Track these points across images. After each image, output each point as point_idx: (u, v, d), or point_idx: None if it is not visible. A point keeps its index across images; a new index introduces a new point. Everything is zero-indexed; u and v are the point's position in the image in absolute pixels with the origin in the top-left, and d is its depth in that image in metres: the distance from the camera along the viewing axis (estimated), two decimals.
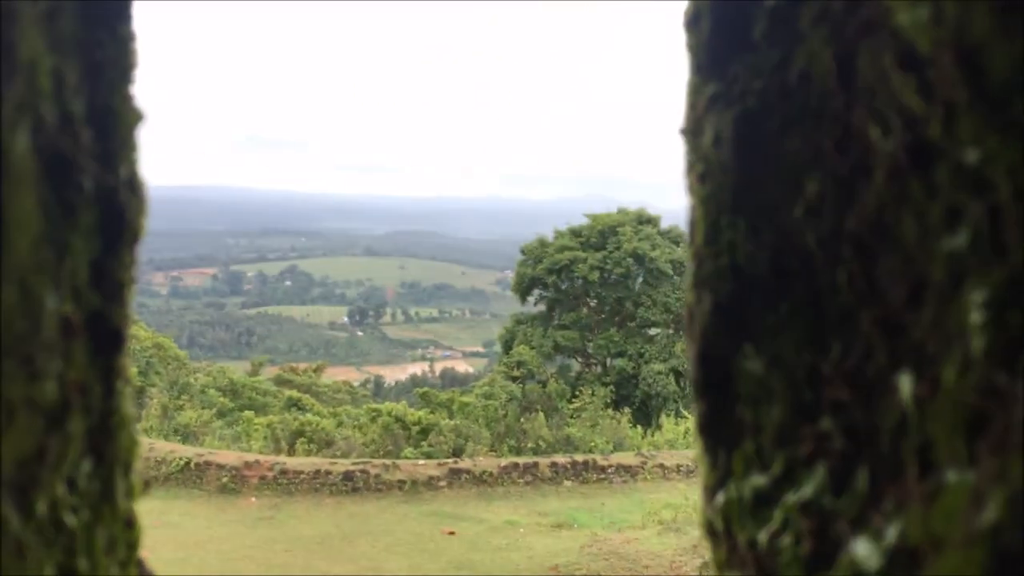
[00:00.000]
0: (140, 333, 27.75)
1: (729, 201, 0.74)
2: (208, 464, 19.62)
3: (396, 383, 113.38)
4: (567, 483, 20.71)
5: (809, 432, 0.66)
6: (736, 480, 0.73)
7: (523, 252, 34.68)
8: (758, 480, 0.70)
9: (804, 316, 0.67)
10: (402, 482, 19.62)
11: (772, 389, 0.69)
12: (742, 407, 0.73)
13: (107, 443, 0.82)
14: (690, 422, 23.78)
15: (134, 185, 0.84)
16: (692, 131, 0.80)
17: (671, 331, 31.83)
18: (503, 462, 20.78)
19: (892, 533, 0.56)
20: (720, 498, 0.76)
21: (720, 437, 0.76)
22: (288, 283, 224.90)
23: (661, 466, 21.44)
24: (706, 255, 0.77)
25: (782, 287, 0.69)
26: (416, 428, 23.53)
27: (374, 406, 27.70)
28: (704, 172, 0.78)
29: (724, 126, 0.74)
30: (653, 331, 32.69)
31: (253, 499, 18.85)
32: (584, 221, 34.94)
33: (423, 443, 22.52)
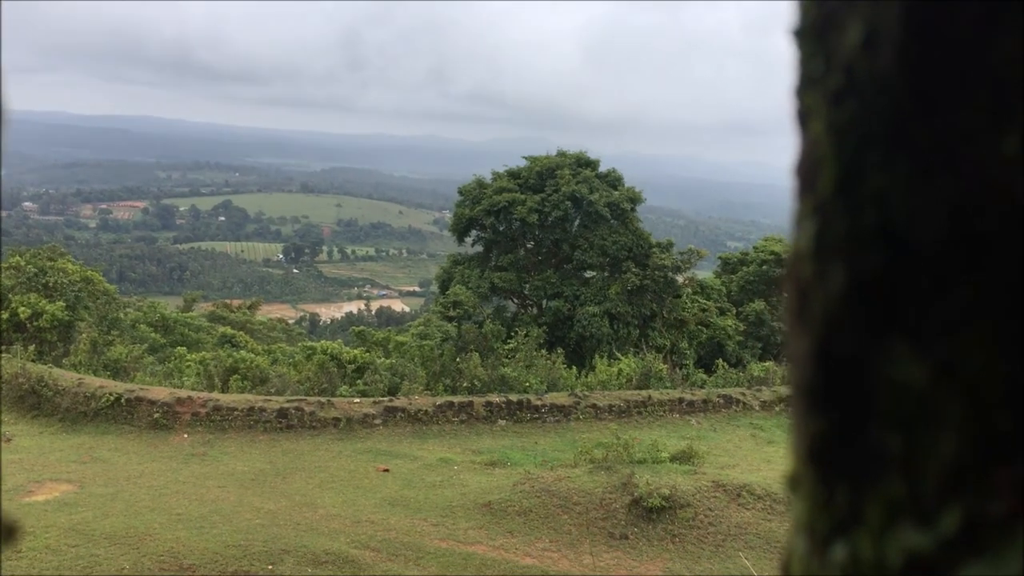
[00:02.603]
0: (68, 267, 27.09)
1: (885, 130, 0.52)
2: (139, 400, 19.39)
3: (332, 321, 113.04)
4: (501, 422, 20.95)
5: (1009, 477, 0.47)
6: (870, 532, 0.53)
7: (461, 192, 34.53)
8: (914, 539, 0.50)
9: (1004, 307, 0.48)
10: (337, 420, 19.65)
11: (941, 408, 0.50)
12: (885, 430, 0.52)
13: None
14: (623, 363, 24.07)
15: None
16: (820, 28, 0.57)
17: (606, 274, 32.13)
18: (438, 401, 20.92)
19: None
20: (841, 553, 0.55)
21: (843, 468, 0.55)
22: (222, 218, 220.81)
23: (594, 407, 21.79)
24: (837, 210, 0.55)
25: (967, 261, 0.49)
26: (352, 366, 23.51)
27: (309, 344, 27.56)
28: (842, 88, 0.55)
29: (885, 17, 0.52)
30: (589, 274, 32.96)
31: (185, 435, 18.72)
32: (522, 163, 34.86)
33: (358, 381, 22.53)
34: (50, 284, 25.33)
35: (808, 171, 0.58)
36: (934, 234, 0.50)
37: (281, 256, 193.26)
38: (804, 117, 0.59)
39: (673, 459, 17.29)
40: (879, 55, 0.52)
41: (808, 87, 0.58)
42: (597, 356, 26.71)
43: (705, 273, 38.66)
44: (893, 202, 0.52)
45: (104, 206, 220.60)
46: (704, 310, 32.35)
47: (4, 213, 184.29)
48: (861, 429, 0.54)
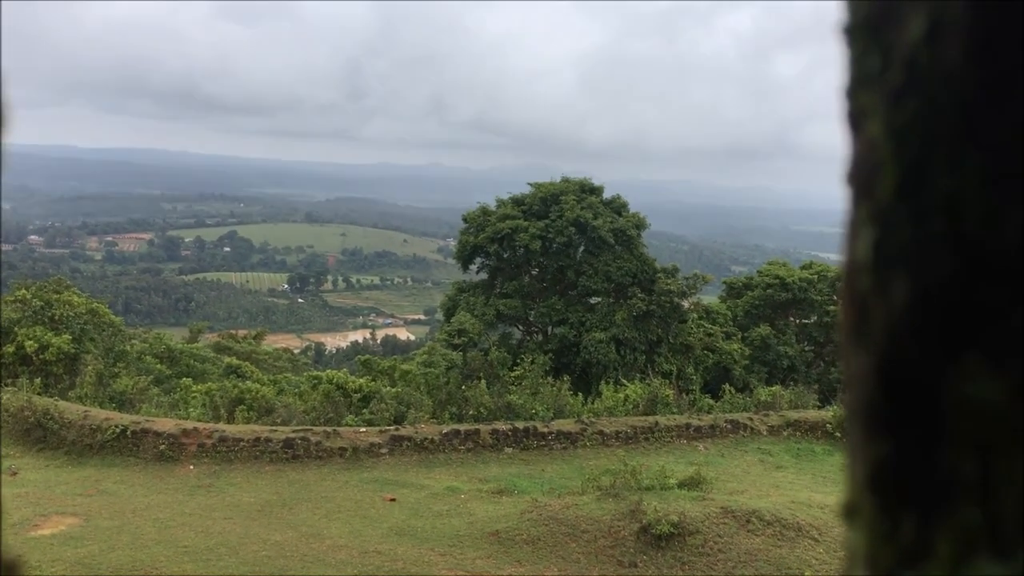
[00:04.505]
0: (74, 299, 27.13)
1: (952, 128, 0.48)
2: (145, 432, 19.34)
3: (337, 350, 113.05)
4: (508, 450, 20.86)
5: None
6: (942, 565, 0.48)
7: (465, 220, 34.59)
8: (992, 572, 0.46)
9: None
10: (343, 449, 19.58)
11: (1021, 429, 0.45)
12: (958, 453, 0.48)
13: None
14: (630, 389, 23.98)
15: None
16: (876, 22, 0.53)
17: (612, 300, 32.10)
18: (444, 429, 20.83)
19: None
20: None
21: (911, 495, 0.51)
22: (227, 249, 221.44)
23: (600, 433, 21.69)
24: (900, 217, 0.51)
25: None
26: (357, 395, 23.46)
27: (315, 373, 27.55)
28: (903, 85, 0.50)
29: (949, 7, 0.48)
30: (594, 300, 32.93)
31: (191, 467, 18.66)
32: (526, 189, 34.94)
33: (364, 410, 22.47)
34: (56, 317, 25.37)
35: (864, 176, 0.54)
36: (1011, 239, 0.45)
37: (286, 286, 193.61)
38: (857, 118, 0.55)
39: (681, 485, 17.17)
40: (944, 48, 0.48)
41: (862, 86, 0.55)
42: (603, 382, 26.63)
43: (710, 298, 38.65)
44: (964, 206, 0.47)
45: (110, 238, 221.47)
46: (710, 335, 32.30)
47: (10, 247, 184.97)
48: (930, 453, 0.49)
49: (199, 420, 20.89)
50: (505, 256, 33.65)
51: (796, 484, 19.46)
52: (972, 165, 0.47)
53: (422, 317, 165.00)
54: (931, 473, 0.49)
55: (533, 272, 34.27)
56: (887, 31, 0.52)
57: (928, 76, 0.49)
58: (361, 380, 24.76)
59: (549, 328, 32.85)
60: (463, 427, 21.16)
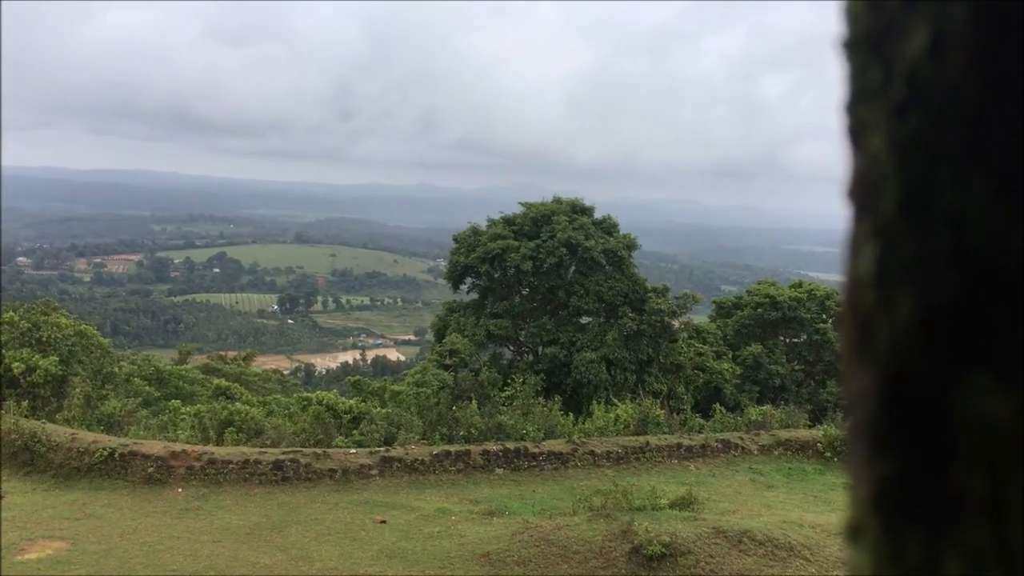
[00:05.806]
0: (62, 321, 27.00)
1: (957, 143, 0.47)
2: (133, 454, 19.21)
3: (327, 371, 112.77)
4: (499, 471, 20.78)
5: None
6: None
7: (456, 240, 34.59)
8: None
9: None
10: (333, 471, 19.47)
11: None
12: (966, 471, 0.47)
13: None
14: (621, 409, 23.95)
15: None
16: (877, 36, 0.52)
17: (603, 320, 32.09)
18: (435, 450, 20.76)
19: None
20: None
21: (917, 515, 0.50)
22: (216, 270, 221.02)
23: (592, 453, 21.64)
24: (904, 232, 0.50)
25: None
26: (347, 417, 23.36)
27: (305, 395, 27.45)
28: (905, 99, 0.50)
29: (952, 20, 0.47)
30: (585, 320, 32.90)
31: (180, 490, 18.52)
32: (516, 209, 34.98)
33: (355, 432, 22.37)
34: (44, 339, 25.22)
35: (866, 191, 0.53)
36: (1017, 254, 0.44)
37: (276, 307, 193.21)
38: (858, 133, 0.54)
39: (672, 505, 17.12)
40: (947, 62, 0.47)
41: (863, 101, 0.54)
42: (594, 402, 26.56)
43: (700, 317, 38.66)
44: (969, 221, 0.46)
45: (98, 260, 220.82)
46: (700, 354, 32.30)
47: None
48: (937, 471, 0.48)
49: (188, 442, 20.75)
50: (496, 276, 33.62)
51: (787, 504, 19.43)
52: (976, 180, 0.46)
53: (412, 338, 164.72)
54: (938, 492, 0.48)
55: (524, 292, 34.24)
56: (888, 45, 0.51)
57: (931, 90, 0.48)
58: (351, 401, 24.66)
59: (540, 348, 32.79)
60: (454, 448, 21.08)
